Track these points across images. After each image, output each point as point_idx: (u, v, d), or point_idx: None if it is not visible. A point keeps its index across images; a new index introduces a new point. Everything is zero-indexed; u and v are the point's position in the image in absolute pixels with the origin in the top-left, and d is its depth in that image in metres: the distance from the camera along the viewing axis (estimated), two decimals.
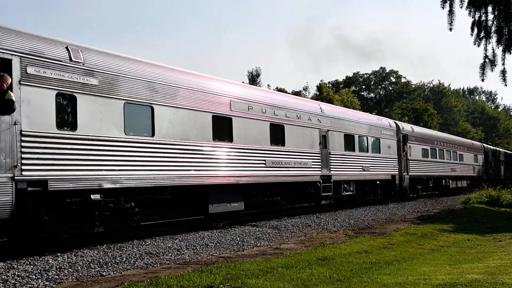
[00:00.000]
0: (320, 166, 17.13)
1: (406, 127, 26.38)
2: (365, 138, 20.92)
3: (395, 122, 25.09)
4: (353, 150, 19.74)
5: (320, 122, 17.57)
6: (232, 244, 10.60)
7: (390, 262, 8.63)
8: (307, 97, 44.32)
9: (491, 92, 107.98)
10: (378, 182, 21.60)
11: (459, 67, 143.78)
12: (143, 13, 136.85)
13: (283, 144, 15.41)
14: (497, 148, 49.69)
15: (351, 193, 19.45)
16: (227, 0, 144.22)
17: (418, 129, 28.95)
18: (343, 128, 19.13)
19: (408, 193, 25.15)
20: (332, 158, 17.88)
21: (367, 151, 20.93)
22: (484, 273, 7.14)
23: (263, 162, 14.38)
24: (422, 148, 27.07)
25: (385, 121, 24.35)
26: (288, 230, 12.97)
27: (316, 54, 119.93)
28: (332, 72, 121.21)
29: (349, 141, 19.47)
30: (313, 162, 16.74)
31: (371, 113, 32.84)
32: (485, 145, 42.85)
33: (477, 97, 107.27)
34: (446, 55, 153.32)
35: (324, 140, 17.60)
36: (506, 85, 13.67)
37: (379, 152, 21.94)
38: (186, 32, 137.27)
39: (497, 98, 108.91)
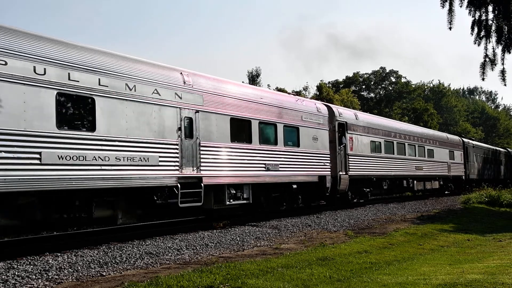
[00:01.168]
0: (178, 164, 11.89)
1: (346, 113, 20.47)
2: (272, 126, 15.43)
3: (327, 106, 19.32)
4: (249, 141, 14.38)
5: (180, 98, 12.21)
6: (232, 244, 10.60)
7: (390, 262, 8.63)
8: (306, 97, 43.81)
9: (491, 92, 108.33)
10: (295, 186, 16.26)
11: (457, 66, 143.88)
12: (143, 14, 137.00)
13: (91, 129, 10.05)
14: (482, 144, 43.62)
15: (244, 201, 14.13)
16: (226, 0, 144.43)
17: (365, 117, 22.69)
18: (230, 110, 13.74)
19: (350, 199, 20.04)
20: (205, 152, 12.72)
21: (276, 144, 15.45)
22: (484, 273, 7.15)
23: (36, 156, 9.00)
24: (371, 141, 21.53)
25: (310, 104, 18.35)
26: (288, 230, 12.97)
27: (308, 54, 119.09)
28: (324, 72, 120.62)
29: (240, 129, 14.17)
30: (162, 157, 11.54)
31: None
32: (464, 139, 36.56)
33: (477, 97, 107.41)
34: (445, 54, 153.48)
35: (189, 126, 12.39)
36: (505, 85, 13.79)
37: (298, 146, 16.52)
38: (186, 32, 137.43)
39: (497, 98, 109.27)
